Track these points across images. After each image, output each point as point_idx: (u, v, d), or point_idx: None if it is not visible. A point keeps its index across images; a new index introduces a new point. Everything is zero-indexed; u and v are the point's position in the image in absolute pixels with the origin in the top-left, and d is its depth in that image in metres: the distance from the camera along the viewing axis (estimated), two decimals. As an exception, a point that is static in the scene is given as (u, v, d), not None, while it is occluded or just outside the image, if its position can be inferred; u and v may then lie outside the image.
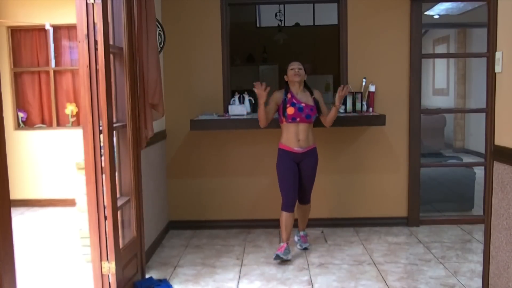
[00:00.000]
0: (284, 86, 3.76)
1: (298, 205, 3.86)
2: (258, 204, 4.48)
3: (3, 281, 1.80)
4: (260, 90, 3.54)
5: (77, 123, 5.54)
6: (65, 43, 5.56)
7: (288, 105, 3.64)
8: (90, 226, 2.84)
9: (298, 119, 3.63)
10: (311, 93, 3.75)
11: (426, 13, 7.02)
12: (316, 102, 3.72)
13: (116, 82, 3.12)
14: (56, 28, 5.46)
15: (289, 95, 3.69)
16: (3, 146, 1.84)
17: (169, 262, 3.70)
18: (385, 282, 3.23)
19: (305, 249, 3.88)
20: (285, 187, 3.68)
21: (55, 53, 5.57)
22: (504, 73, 2.50)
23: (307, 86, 3.79)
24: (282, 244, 3.69)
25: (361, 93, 4.24)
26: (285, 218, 3.68)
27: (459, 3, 6.50)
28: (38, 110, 5.63)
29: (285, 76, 3.77)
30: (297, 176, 3.70)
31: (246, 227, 4.46)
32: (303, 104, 3.64)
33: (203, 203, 4.52)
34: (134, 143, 3.21)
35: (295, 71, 3.70)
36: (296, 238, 3.98)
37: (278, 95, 3.72)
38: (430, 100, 10.39)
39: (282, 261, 3.59)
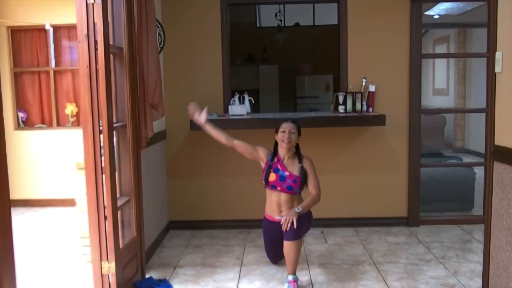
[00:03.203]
0: (274, 146, 3.31)
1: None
2: (258, 204, 4.45)
3: (3, 281, 1.80)
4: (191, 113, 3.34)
5: (77, 123, 5.54)
6: (65, 43, 5.56)
7: (271, 171, 3.22)
8: (90, 226, 2.84)
9: (279, 188, 3.22)
10: (300, 161, 3.22)
11: (426, 13, 7.02)
12: (303, 172, 3.21)
13: (116, 82, 3.11)
14: (56, 28, 5.46)
15: (275, 159, 3.24)
16: (3, 146, 1.84)
17: (169, 262, 3.70)
18: (385, 282, 3.23)
19: None
20: (265, 247, 3.57)
21: (55, 53, 5.57)
22: (504, 73, 2.50)
23: (298, 151, 3.28)
24: None
25: (361, 93, 4.24)
26: None
27: (459, 3, 6.50)
28: (38, 110, 5.63)
29: (275, 135, 3.26)
30: (278, 244, 3.24)
31: (246, 227, 4.45)
32: (287, 173, 3.18)
33: (203, 203, 4.52)
34: (134, 143, 3.21)
35: (285, 135, 3.17)
36: (286, 286, 3.15)
37: (266, 153, 3.33)
38: (430, 100, 10.38)
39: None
